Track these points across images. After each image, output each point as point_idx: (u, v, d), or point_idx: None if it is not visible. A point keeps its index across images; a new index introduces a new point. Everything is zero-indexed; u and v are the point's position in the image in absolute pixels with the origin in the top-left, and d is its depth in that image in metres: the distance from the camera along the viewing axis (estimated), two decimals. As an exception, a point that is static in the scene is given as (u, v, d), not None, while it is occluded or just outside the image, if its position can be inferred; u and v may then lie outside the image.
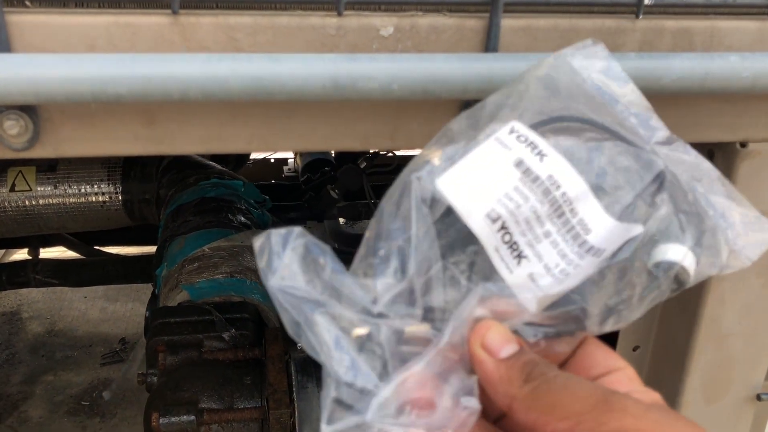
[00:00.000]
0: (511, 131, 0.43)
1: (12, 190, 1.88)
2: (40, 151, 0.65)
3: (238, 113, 0.67)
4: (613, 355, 0.44)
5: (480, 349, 0.40)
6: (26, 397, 2.62)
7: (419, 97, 0.63)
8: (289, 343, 1.33)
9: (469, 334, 0.40)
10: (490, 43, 0.67)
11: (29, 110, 0.62)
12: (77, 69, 0.57)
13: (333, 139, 0.71)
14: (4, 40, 0.60)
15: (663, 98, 0.75)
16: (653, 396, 0.41)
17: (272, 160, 3.37)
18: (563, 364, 0.44)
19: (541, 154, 0.42)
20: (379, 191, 2.38)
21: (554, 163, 0.42)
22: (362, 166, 2.18)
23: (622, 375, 0.42)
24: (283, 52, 0.64)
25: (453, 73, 0.62)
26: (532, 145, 0.42)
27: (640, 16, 0.71)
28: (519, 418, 0.39)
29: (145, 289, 1.74)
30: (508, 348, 0.40)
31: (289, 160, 3.36)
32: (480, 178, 0.42)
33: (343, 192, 2.19)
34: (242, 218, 1.69)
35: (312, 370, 1.33)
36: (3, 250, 3.04)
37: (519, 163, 0.42)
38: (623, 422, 0.35)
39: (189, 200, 1.73)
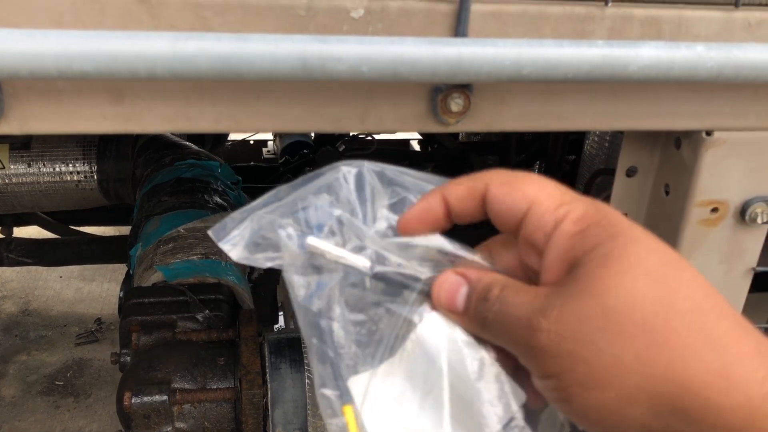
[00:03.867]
0: None
1: (-15, 167, 1.85)
2: (6, 127, 0.64)
3: (206, 93, 0.67)
4: (518, 190, 0.40)
5: (448, 312, 0.41)
6: (-1, 377, 2.60)
7: (389, 80, 0.63)
8: (263, 325, 1.33)
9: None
10: (459, 27, 0.68)
11: (-6, 85, 0.61)
12: (42, 44, 0.56)
13: (303, 120, 0.71)
14: (-32, 13, 0.59)
15: (630, 86, 0.76)
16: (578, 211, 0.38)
17: (251, 142, 3.35)
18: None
19: None
20: (358, 175, 2.37)
21: None
22: (341, 149, 2.18)
23: (536, 211, 0.39)
24: (252, 32, 0.64)
25: (422, 56, 0.63)
26: None
27: (609, 4, 0.71)
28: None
29: (122, 270, 1.73)
30: (459, 297, 0.41)
31: (269, 143, 3.34)
32: None
33: (321, 175, 2.18)
34: (218, 199, 1.68)
35: (286, 351, 1.34)
36: (-24, 229, 3.00)
37: None
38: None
39: (165, 180, 1.72)
